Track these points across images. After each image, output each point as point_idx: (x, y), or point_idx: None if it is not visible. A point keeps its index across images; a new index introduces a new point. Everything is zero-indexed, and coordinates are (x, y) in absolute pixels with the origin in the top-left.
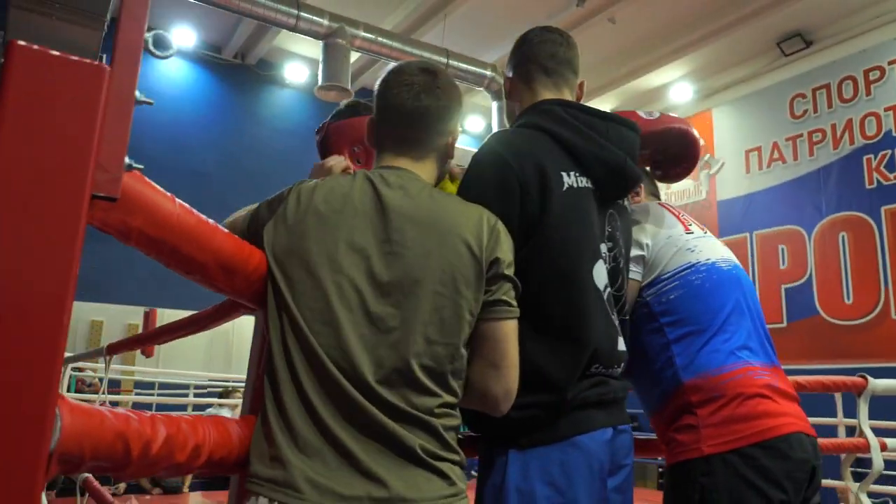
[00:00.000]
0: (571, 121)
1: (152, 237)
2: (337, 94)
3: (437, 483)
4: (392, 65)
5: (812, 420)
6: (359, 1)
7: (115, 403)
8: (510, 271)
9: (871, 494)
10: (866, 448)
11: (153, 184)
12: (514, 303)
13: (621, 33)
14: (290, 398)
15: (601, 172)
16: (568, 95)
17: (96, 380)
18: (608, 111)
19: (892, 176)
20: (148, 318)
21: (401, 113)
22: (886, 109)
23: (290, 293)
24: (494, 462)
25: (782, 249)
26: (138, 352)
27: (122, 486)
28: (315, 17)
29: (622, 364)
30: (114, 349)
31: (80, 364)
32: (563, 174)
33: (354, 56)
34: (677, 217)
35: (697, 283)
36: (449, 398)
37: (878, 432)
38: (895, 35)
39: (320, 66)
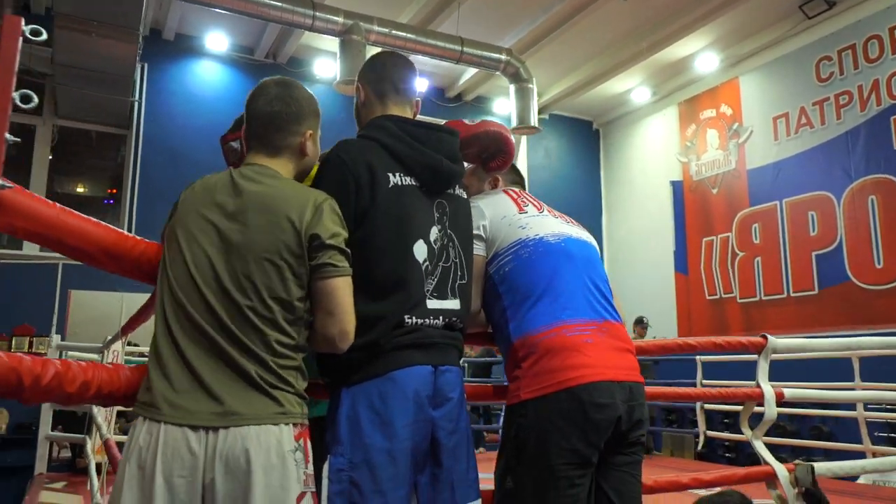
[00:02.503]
0: (398, 132)
1: (35, 233)
2: (349, 87)
3: (269, 404)
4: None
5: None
6: None
7: None
8: (336, 241)
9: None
10: (759, 397)
11: (33, 194)
12: (342, 264)
13: (637, 8)
14: (165, 344)
15: (422, 171)
16: (408, 110)
17: None
18: (433, 123)
19: None
20: None
21: (258, 118)
22: None
23: (169, 266)
24: (334, 400)
25: (812, 216)
26: None
27: None
28: (330, 16)
29: (447, 318)
30: (127, 329)
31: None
32: (390, 174)
33: (374, 50)
34: (514, 200)
35: (525, 256)
36: (286, 339)
37: None
38: None
39: (338, 62)
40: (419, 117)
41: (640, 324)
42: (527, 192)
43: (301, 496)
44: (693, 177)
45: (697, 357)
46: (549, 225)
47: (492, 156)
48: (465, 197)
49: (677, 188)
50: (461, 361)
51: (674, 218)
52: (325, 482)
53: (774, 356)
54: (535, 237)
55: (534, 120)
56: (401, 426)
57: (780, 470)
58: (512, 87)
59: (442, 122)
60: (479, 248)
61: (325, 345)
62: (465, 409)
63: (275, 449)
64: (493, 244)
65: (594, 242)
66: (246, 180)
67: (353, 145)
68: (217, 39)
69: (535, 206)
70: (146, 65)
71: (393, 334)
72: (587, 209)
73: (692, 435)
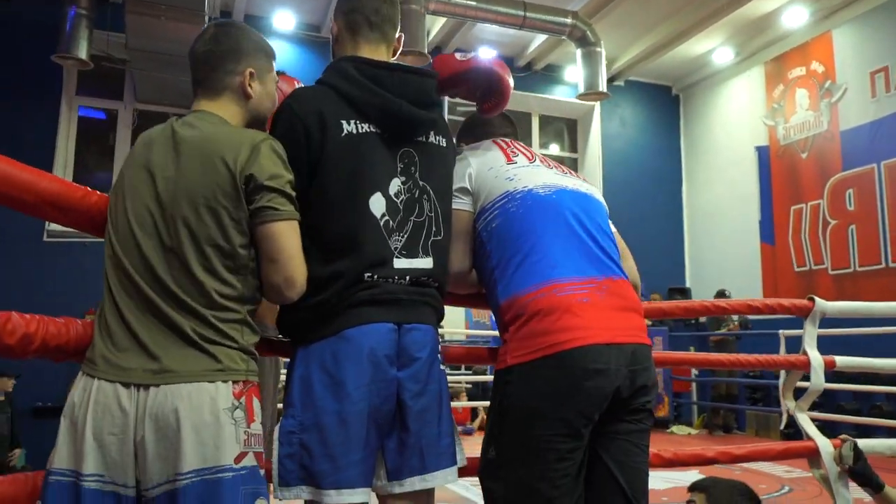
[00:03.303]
0: (356, 75)
1: None
2: (414, 58)
3: (205, 361)
4: None
5: None
6: None
7: None
8: (275, 182)
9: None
10: (804, 365)
11: None
12: (283, 207)
13: None
14: (107, 301)
15: (380, 118)
16: (383, 50)
17: None
18: (401, 64)
19: None
20: None
21: (194, 59)
22: None
23: (111, 222)
24: (291, 360)
25: None
26: None
27: None
28: None
29: (416, 276)
30: None
31: None
32: (343, 122)
33: (433, 20)
34: (503, 150)
35: (512, 210)
36: (227, 290)
37: None
38: None
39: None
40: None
41: (722, 298)
42: (519, 142)
43: (241, 456)
44: (780, 141)
45: (780, 332)
46: (541, 176)
47: (483, 96)
48: (446, 146)
49: (763, 154)
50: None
51: (759, 186)
52: (275, 444)
53: (834, 330)
54: (523, 189)
55: (602, 85)
56: (353, 387)
57: (824, 446)
58: (578, 52)
59: (513, 93)
60: (464, 203)
61: (273, 294)
62: (439, 370)
63: (208, 407)
64: (479, 199)
65: (597, 194)
66: (184, 127)
67: (305, 92)
68: (284, 18)
69: (525, 155)
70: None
71: (348, 292)
72: (666, 179)
73: (778, 414)
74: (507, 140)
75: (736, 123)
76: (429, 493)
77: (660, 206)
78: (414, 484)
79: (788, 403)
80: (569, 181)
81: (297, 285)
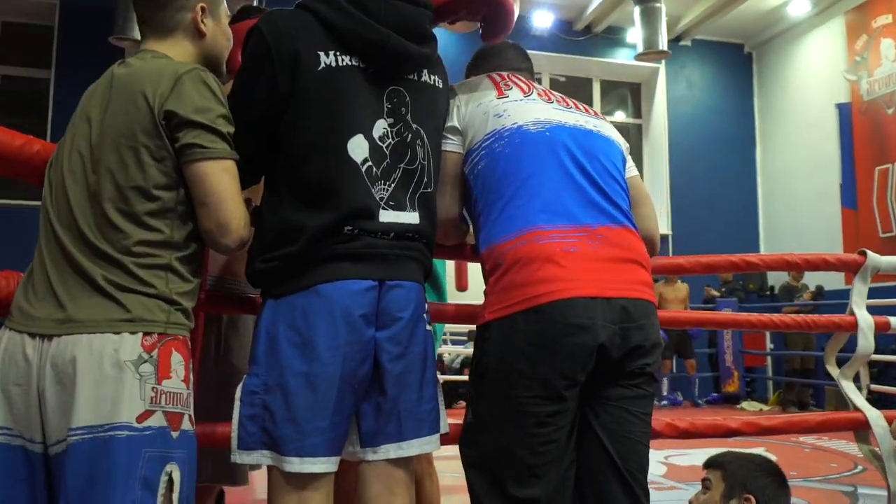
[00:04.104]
0: (340, 0)
1: None
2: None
3: (112, 310)
4: None
5: None
6: None
7: None
8: (202, 117)
9: None
10: (851, 326)
11: None
12: (212, 145)
13: None
14: (37, 255)
15: (364, 50)
16: None
17: None
18: None
19: None
20: None
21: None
22: None
23: (48, 173)
24: (260, 312)
25: None
26: None
27: None
28: None
29: (399, 232)
30: None
31: None
32: (321, 53)
33: None
34: (496, 84)
35: (499, 150)
36: (147, 236)
37: None
38: None
39: None
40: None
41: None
42: (523, 76)
43: (145, 415)
44: (864, 97)
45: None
46: (534, 111)
47: (484, 20)
48: (442, 87)
49: (844, 111)
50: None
51: (840, 146)
52: (237, 404)
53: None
54: (512, 126)
55: (663, 44)
56: (325, 348)
57: (876, 417)
58: (637, 10)
59: (572, 58)
60: (453, 144)
61: (209, 240)
62: (424, 330)
63: (109, 359)
64: (467, 139)
65: (606, 131)
66: (121, 67)
67: (280, 16)
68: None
69: (521, 88)
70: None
71: (323, 244)
72: (738, 143)
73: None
74: (503, 73)
75: (814, 80)
76: (406, 462)
77: (731, 173)
78: (388, 451)
79: (832, 370)
80: (570, 116)
81: (231, 231)
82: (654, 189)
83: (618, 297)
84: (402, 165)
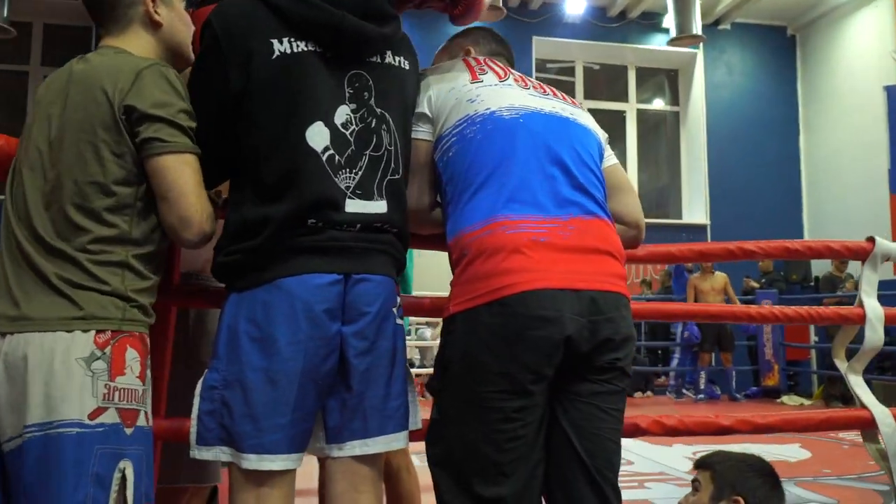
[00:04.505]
0: None
1: None
2: (489, 14)
3: (64, 307)
4: None
5: None
6: None
7: None
8: (162, 111)
9: None
10: (859, 318)
11: None
12: (172, 139)
13: None
14: None
15: (320, 34)
16: None
17: None
18: None
19: None
20: None
21: (89, 1)
22: None
23: (11, 169)
24: (223, 306)
25: None
26: None
27: None
28: None
29: (366, 223)
30: None
31: None
32: (274, 41)
33: None
34: (470, 68)
35: (470, 136)
36: (105, 232)
37: None
38: None
39: None
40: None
41: None
42: (500, 61)
43: (98, 412)
44: None
45: None
46: (508, 96)
47: (453, 2)
48: (409, 68)
49: (893, 94)
50: None
51: (888, 129)
52: (196, 399)
53: None
54: (485, 112)
55: (696, 28)
56: (285, 344)
57: (883, 415)
58: None
59: (606, 45)
60: (423, 132)
61: (171, 235)
62: (394, 325)
63: (60, 356)
64: (438, 125)
65: (582, 119)
66: (80, 62)
67: (231, 6)
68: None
69: (497, 73)
70: None
71: (285, 237)
72: (780, 129)
73: None
74: (479, 58)
75: (861, 62)
76: (373, 459)
77: (773, 159)
78: (354, 448)
79: (840, 364)
80: (546, 103)
81: (193, 225)
82: (692, 177)
83: (587, 290)
84: (367, 152)
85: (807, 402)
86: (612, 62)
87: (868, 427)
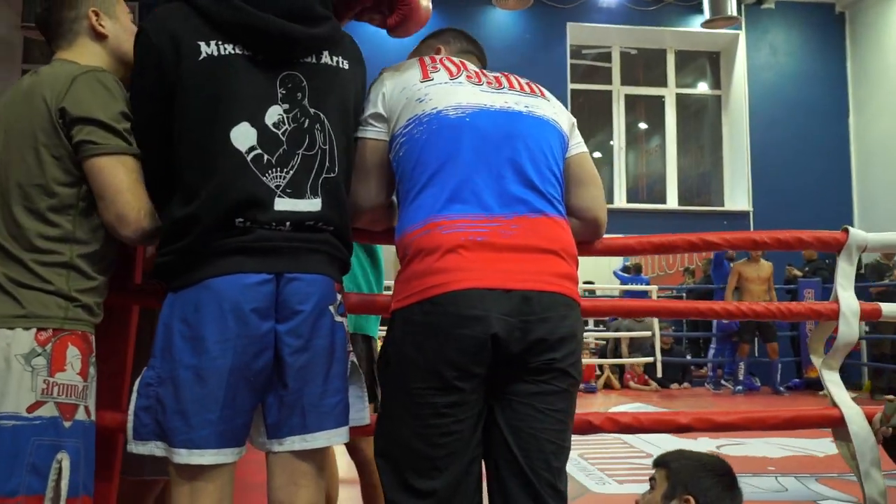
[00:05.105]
0: None
1: None
2: (515, 2)
3: (8, 306)
4: None
5: None
6: None
7: None
8: (95, 114)
9: None
10: (833, 314)
11: None
12: (105, 141)
13: None
14: None
15: (245, 37)
16: None
17: None
18: None
19: None
20: None
21: (40, 25)
22: None
23: None
24: (162, 305)
25: None
26: None
27: None
28: None
29: (300, 221)
30: None
31: None
32: (202, 44)
33: None
34: (423, 66)
35: (417, 135)
36: (49, 231)
37: None
38: None
39: None
40: None
41: None
42: (465, 59)
43: (36, 405)
44: None
45: None
46: (457, 94)
47: (382, 7)
48: (349, 68)
49: None
50: None
51: None
52: (133, 395)
53: None
54: (431, 111)
55: (731, 9)
56: (213, 342)
57: (853, 414)
58: None
59: (644, 29)
60: (375, 131)
61: (112, 232)
62: (331, 323)
63: (1, 352)
64: (391, 125)
65: (542, 112)
66: (31, 75)
67: (160, 12)
68: None
69: (449, 70)
70: None
71: (213, 237)
72: (828, 112)
73: None
74: (437, 56)
75: None
76: (312, 454)
77: (820, 144)
78: (293, 444)
79: (816, 360)
80: (498, 98)
81: (130, 223)
82: (734, 163)
83: (520, 289)
84: (300, 151)
85: (853, 394)
86: (650, 46)
87: (839, 426)
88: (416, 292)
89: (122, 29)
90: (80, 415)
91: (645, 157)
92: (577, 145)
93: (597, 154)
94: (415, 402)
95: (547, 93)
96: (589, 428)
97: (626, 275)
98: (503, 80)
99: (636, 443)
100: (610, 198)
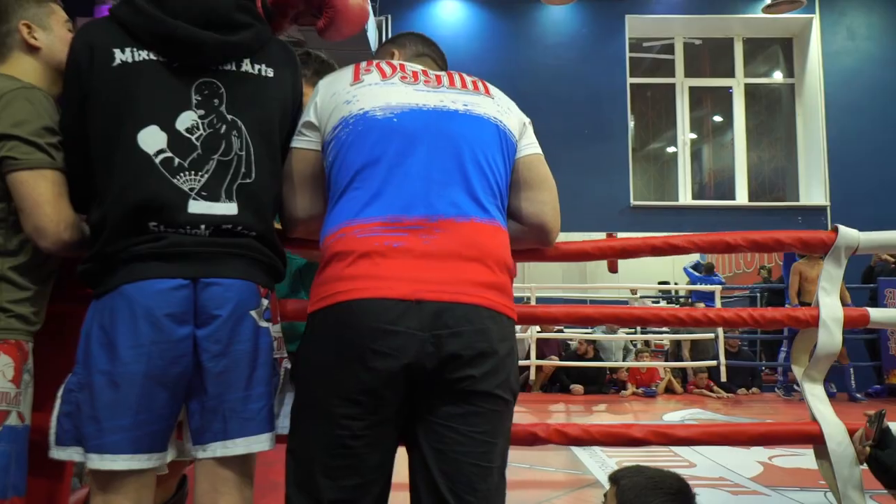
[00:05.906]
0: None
1: None
2: None
3: None
4: None
5: None
6: None
7: None
8: (17, 131)
9: None
10: (812, 321)
11: None
12: (24, 156)
13: None
14: None
15: (158, 44)
16: None
17: None
18: None
19: None
20: None
21: None
22: None
23: None
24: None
25: None
26: None
27: None
28: None
29: (217, 225)
30: None
31: None
32: (116, 51)
33: None
34: (356, 70)
35: (343, 138)
36: None
37: None
38: None
39: None
40: None
41: None
42: (420, 62)
43: None
44: None
45: None
46: (388, 95)
47: (313, 10)
48: (274, 76)
49: None
50: None
51: None
52: (57, 402)
53: None
54: (358, 113)
55: None
56: (125, 348)
57: (833, 430)
58: None
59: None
60: (305, 140)
61: (34, 244)
62: (253, 328)
63: None
64: (323, 130)
65: (482, 111)
66: None
67: (86, 24)
68: None
69: (382, 71)
70: (389, 16)
71: (125, 243)
72: None
73: None
74: (376, 60)
75: None
76: (235, 461)
77: None
78: (216, 450)
79: (797, 371)
80: (433, 98)
81: (48, 235)
82: (810, 155)
83: (432, 301)
84: (216, 157)
85: None
86: (716, 35)
87: (818, 442)
88: (325, 297)
89: (57, 39)
90: (12, 420)
91: (713, 152)
92: (529, 146)
93: (671, 149)
94: (317, 409)
95: (494, 90)
96: (535, 440)
97: (696, 273)
98: (444, 78)
99: (686, 453)
100: (675, 195)
